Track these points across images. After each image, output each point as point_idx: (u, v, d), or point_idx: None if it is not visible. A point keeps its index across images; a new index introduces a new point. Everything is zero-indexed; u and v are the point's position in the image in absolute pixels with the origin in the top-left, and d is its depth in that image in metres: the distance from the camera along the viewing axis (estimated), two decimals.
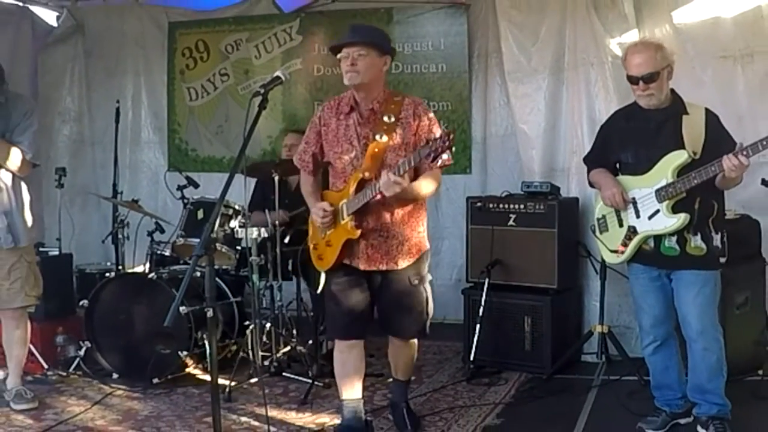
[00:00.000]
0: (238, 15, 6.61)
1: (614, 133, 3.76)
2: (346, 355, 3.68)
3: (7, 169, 4.08)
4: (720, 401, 3.59)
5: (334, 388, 3.89)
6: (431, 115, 3.62)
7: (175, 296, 4.03)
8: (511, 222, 4.88)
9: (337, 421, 3.82)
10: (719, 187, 3.47)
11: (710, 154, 3.35)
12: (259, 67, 6.53)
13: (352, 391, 3.69)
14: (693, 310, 3.52)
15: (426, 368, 4.89)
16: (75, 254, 5.54)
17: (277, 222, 4.63)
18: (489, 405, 4.23)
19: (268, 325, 4.67)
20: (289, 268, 4.89)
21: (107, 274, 5.07)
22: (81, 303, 4.80)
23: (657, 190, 3.48)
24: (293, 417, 4.08)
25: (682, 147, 3.43)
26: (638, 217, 3.57)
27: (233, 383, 4.40)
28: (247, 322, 4.74)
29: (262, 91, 3.18)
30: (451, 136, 3.19)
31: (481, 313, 4.71)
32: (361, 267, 3.58)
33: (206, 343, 4.39)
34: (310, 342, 4.77)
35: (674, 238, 3.50)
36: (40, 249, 5.11)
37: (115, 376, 4.64)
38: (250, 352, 4.56)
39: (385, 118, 3.52)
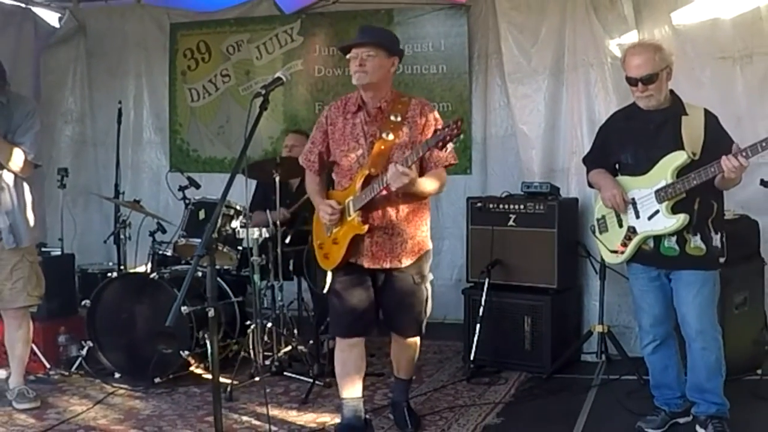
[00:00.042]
0: (239, 16, 6.62)
1: (613, 134, 3.77)
2: (347, 354, 3.70)
3: (9, 170, 4.10)
4: (718, 401, 3.60)
5: (335, 387, 3.90)
6: (437, 114, 3.65)
7: (176, 296, 4.06)
8: (511, 222, 4.89)
9: (338, 420, 3.83)
10: (718, 187, 3.48)
11: (709, 155, 3.36)
12: (260, 68, 6.54)
13: (352, 389, 3.71)
14: (692, 310, 3.53)
15: (426, 368, 4.90)
16: (77, 254, 5.58)
17: (278, 221, 4.65)
18: (489, 404, 4.24)
19: (269, 324, 4.69)
20: (290, 268, 4.91)
21: (109, 274, 5.08)
22: (83, 303, 4.81)
23: (656, 191, 3.49)
24: (294, 416, 4.10)
25: (682, 148, 3.44)
26: (638, 217, 3.58)
27: (235, 383, 4.42)
28: (248, 322, 4.75)
29: (263, 91, 3.19)
30: (459, 123, 3.21)
31: (481, 313, 4.72)
32: (366, 264, 3.60)
33: (208, 342, 4.40)
34: (311, 342, 4.79)
35: (674, 239, 3.51)
36: (43, 249, 5.12)
37: (117, 375, 4.66)
38: (252, 352, 4.58)
39: (392, 117, 3.55)
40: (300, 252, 4.86)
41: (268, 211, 4.74)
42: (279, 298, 4.82)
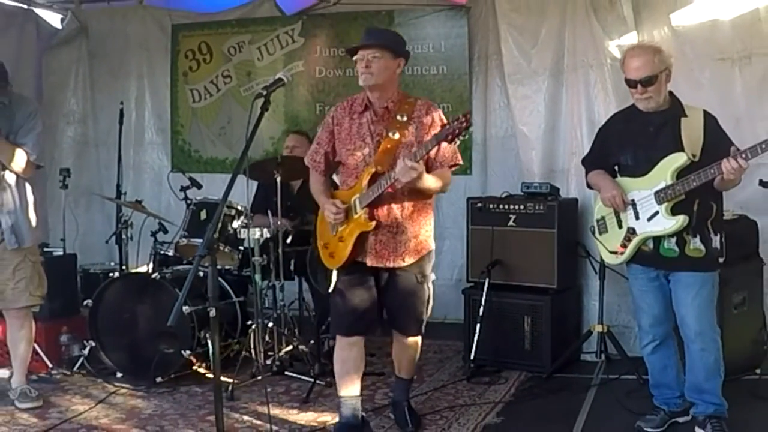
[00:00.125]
0: (240, 17, 6.63)
1: (613, 135, 3.78)
2: (347, 352, 3.71)
3: (11, 171, 4.11)
4: (717, 401, 3.61)
5: (335, 387, 3.92)
6: (442, 114, 3.67)
7: (178, 296, 4.06)
8: (511, 222, 4.91)
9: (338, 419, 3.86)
10: (718, 188, 3.48)
11: (709, 157, 3.37)
12: (262, 69, 6.56)
13: (351, 388, 3.72)
14: (691, 312, 3.54)
15: (427, 367, 4.92)
16: (79, 254, 5.60)
17: (279, 232, 4.67)
18: (489, 404, 4.26)
19: (270, 324, 4.71)
20: (291, 268, 4.93)
21: (111, 274, 5.08)
22: (85, 303, 4.82)
23: (656, 192, 3.50)
24: (295, 415, 4.11)
25: (681, 149, 3.45)
26: (637, 218, 3.59)
27: (236, 382, 4.44)
28: (249, 322, 4.77)
29: (265, 92, 3.21)
30: (468, 116, 3.23)
31: (481, 313, 4.74)
32: (369, 263, 3.62)
33: (209, 342, 4.39)
34: (312, 341, 4.80)
35: (674, 240, 3.52)
36: (45, 249, 5.14)
37: (118, 375, 4.67)
38: (253, 351, 4.60)
39: (399, 117, 3.58)
40: (301, 252, 4.88)
41: (269, 213, 4.74)
42: (280, 298, 4.83)
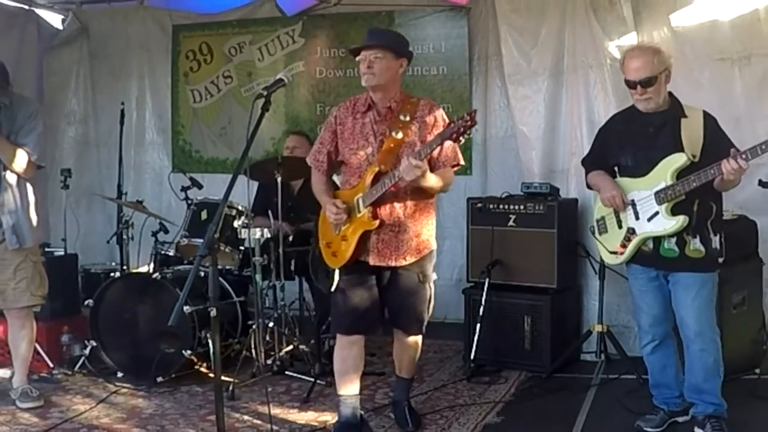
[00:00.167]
0: (241, 18, 6.64)
1: (613, 136, 3.78)
2: (347, 351, 3.71)
3: (13, 171, 4.12)
4: (716, 401, 3.62)
5: (335, 386, 3.93)
6: (444, 114, 3.69)
7: (179, 296, 4.07)
8: (511, 222, 4.92)
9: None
10: (718, 189, 3.49)
11: (709, 157, 3.38)
12: (262, 70, 6.57)
13: (350, 387, 3.73)
14: (691, 312, 3.54)
15: (427, 367, 4.93)
16: (80, 254, 5.61)
17: (279, 232, 4.67)
18: (489, 403, 4.26)
19: (270, 324, 4.71)
20: (292, 268, 4.94)
21: (112, 274, 5.10)
22: (86, 302, 4.84)
23: (656, 193, 3.50)
24: (296, 415, 4.12)
25: (681, 150, 3.45)
26: (637, 218, 3.59)
27: (236, 382, 4.45)
28: (250, 322, 4.78)
29: (265, 93, 3.22)
30: (473, 114, 3.24)
31: (481, 313, 4.75)
32: (371, 261, 3.63)
33: (210, 342, 4.42)
34: (313, 341, 4.81)
35: (674, 240, 3.53)
36: (46, 249, 5.15)
37: (119, 374, 4.68)
38: (253, 351, 4.61)
39: (402, 117, 3.60)
40: (301, 252, 4.89)
41: (270, 213, 4.75)
42: (280, 298, 4.84)
